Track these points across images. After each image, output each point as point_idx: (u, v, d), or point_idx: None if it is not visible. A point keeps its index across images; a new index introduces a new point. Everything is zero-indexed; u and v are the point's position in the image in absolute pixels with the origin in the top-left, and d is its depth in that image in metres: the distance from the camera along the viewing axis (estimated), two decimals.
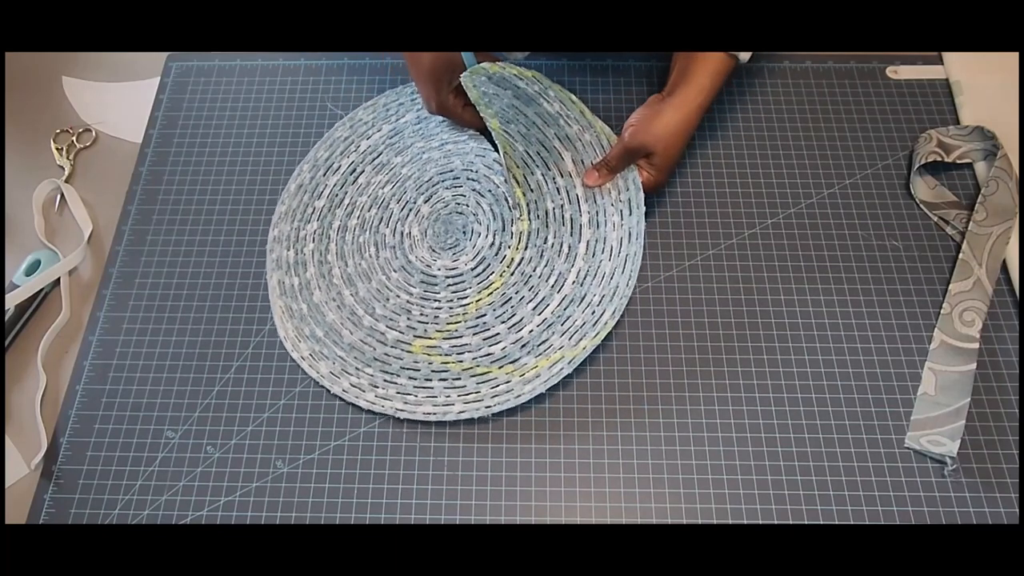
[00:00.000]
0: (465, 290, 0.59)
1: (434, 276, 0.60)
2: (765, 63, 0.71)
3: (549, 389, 0.55)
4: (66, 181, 0.67)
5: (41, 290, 0.61)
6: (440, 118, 0.65)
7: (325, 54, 0.73)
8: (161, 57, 0.73)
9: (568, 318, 0.57)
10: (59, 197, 0.67)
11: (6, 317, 0.59)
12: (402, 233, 0.62)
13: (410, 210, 0.63)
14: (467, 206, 0.63)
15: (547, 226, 0.60)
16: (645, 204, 0.60)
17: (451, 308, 0.58)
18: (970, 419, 0.54)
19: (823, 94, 0.69)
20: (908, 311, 0.59)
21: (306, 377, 0.57)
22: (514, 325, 0.57)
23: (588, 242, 0.59)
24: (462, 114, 0.60)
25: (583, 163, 0.61)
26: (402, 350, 0.57)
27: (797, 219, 0.63)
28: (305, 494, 0.53)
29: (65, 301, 0.61)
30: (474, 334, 0.57)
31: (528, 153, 0.61)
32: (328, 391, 0.56)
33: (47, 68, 0.73)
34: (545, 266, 0.58)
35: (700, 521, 0.52)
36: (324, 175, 0.65)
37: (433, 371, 0.56)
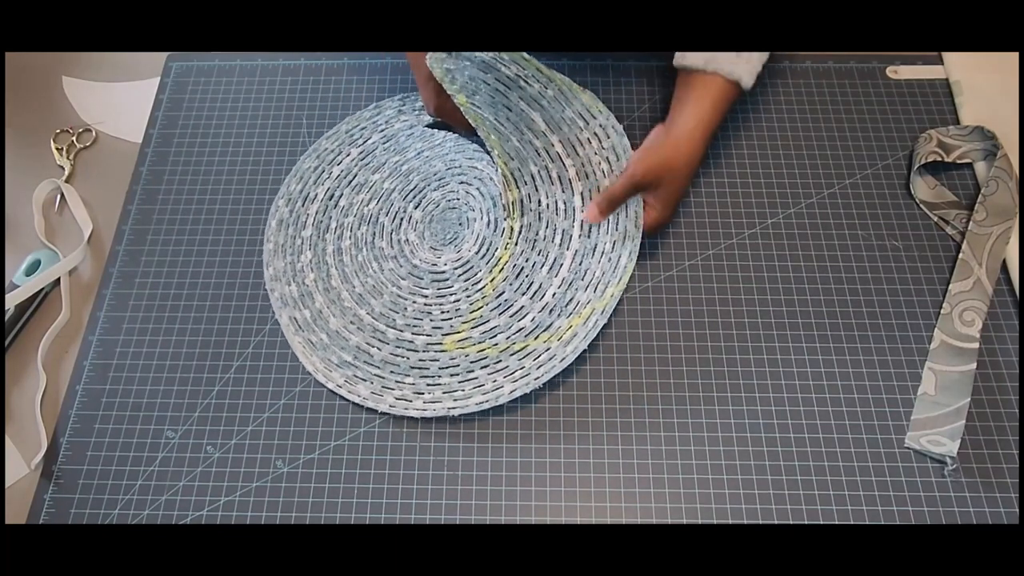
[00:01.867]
0: (476, 274, 0.59)
1: (443, 272, 0.60)
2: (765, 63, 0.70)
3: (549, 387, 0.56)
4: (66, 181, 0.67)
5: (41, 290, 0.61)
6: (408, 131, 0.67)
7: (325, 54, 0.73)
8: (161, 57, 0.73)
9: (585, 272, 0.58)
10: (59, 197, 0.67)
11: (6, 317, 0.59)
12: (400, 242, 0.62)
13: (402, 219, 0.63)
14: (458, 199, 0.63)
15: (537, 189, 0.60)
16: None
17: (469, 296, 0.59)
18: (970, 419, 0.54)
19: (823, 94, 0.69)
20: (908, 311, 0.59)
21: (306, 377, 0.57)
22: (535, 293, 0.57)
23: (582, 193, 0.59)
24: (460, 118, 0.60)
25: (554, 119, 0.61)
26: (435, 351, 0.57)
27: (797, 219, 0.63)
28: (305, 494, 0.53)
29: (65, 301, 0.61)
30: (500, 314, 0.57)
31: (498, 120, 0.61)
32: (364, 407, 0.56)
33: (47, 68, 0.73)
34: (547, 227, 0.59)
35: (700, 521, 0.52)
36: (303, 206, 0.64)
37: (472, 362, 0.56)
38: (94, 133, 0.70)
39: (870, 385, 0.56)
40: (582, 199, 0.59)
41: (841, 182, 0.65)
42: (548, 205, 0.59)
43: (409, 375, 0.56)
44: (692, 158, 0.56)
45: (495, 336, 0.57)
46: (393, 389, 0.56)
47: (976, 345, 0.56)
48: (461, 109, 0.58)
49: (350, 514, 0.53)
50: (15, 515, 0.53)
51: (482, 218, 0.62)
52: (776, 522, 0.52)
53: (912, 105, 0.68)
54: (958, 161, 0.64)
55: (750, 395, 0.56)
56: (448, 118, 0.62)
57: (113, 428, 0.56)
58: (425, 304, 0.59)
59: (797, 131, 0.67)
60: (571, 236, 0.58)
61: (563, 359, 0.55)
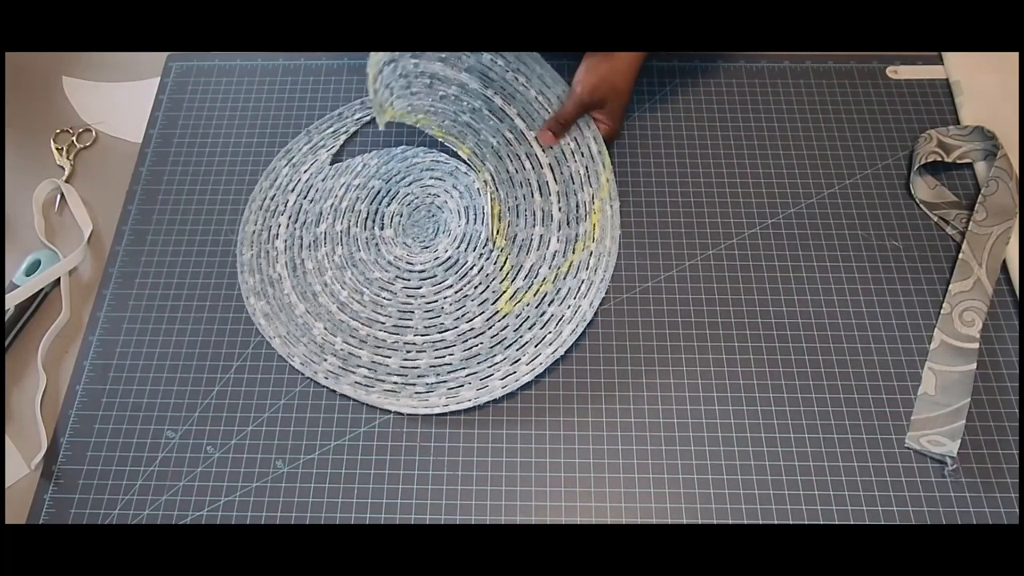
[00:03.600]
0: (480, 237, 0.60)
1: (450, 258, 0.61)
2: (765, 63, 0.71)
3: (550, 387, 0.56)
4: (66, 181, 0.67)
5: (41, 290, 0.61)
6: (319, 174, 0.66)
7: (325, 54, 0.73)
8: (161, 57, 0.74)
9: (572, 175, 0.60)
10: (59, 197, 0.67)
11: (6, 317, 0.59)
12: (390, 263, 0.61)
13: (376, 244, 0.62)
14: (416, 198, 0.64)
15: (478, 132, 0.60)
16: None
17: (488, 259, 0.59)
18: (970, 419, 0.54)
19: (823, 94, 0.69)
20: (908, 311, 0.59)
21: (306, 377, 0.57)
22: (543, 218, 0.59)
23: (519, 115, 0.61)
24: None
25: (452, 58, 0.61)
26: (499, 321, 0.57)
27: (797, 219, 0.63)
28: (305, 494, 0.53)
29: (65, 301, 0.61)
30: (527, 254, 0.58)
31: (411, 89, 0.61)
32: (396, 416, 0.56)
33: (47, 68, 0.73)
34: (514, 161, 0.60)
35: (700, 521, 0.52)
36: (272, 270, 0.62)
37: (536, 307, 0.57)
38: (94, 133, 0.70)
39: (870, 385, 0.56)
40: (522, 120, 0.60)
41: (841, 182, 0.65)
42: (498, 141, 0.60)
43: (496, 354, 0.56)
44: (635, 71, 0.60)
45: (537, 274, 0.58)
46: (494, 374, 0.56)
47: (976, 345, 0.56)
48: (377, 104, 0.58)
49: (350, 514, 0.53)
50: (15, 515, 0.53)
51: (452, 197, 0.63)
52: (776, 522, 0.52)
53: (912, 105, 0.68)
54: (958, 161, 0.64)
55: (750, 395, 0.56)
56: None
57: (113, 428, 0.56)
58: (456, 292, 0.59)
59: (797, 131, 0.67)
60: (537, 155, 0.60)
61: (609, 252, 0.57)
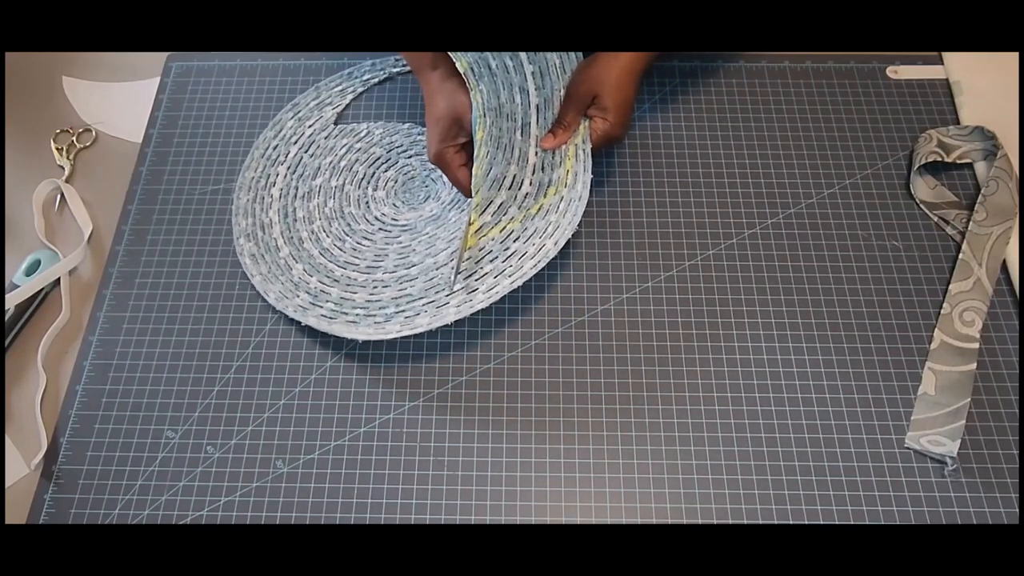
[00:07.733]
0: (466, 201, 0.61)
1: (432, 214, 0.63)
2: (765, 63, 0.71)
3: (550, 387, 0.56)
4: (66, 181, 0.67)
5: (41, 290, 0.61)
6: (323, 132, 0.68)
7: (325, 54, 0.73)
8: (161, 57, 0.74)
9: (552, 122, 0.60)
10: (59, 197, 0.67)
11: (6, 317, 0.59)
12: (376, 218, 0.64)
13: (367, 202, 0.65)
14: (413, 170, 0.66)
15: (481, 53, 0.59)
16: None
17: (462, 210, 0.60)
18: (970, 419, 0.54)
19: (823, 94, 0.69)
20: (908, 311, 0.59)
21: (307, 377, 0.57)
22: (519, 158, 0.58)
23: (535, 68, 0.60)
24: (456, 172, 0.58)
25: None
26: (463, 256, 0.57)
27: (797, 219, 0.63)
28: (305, 494, 0.53)
29: (65, 301, 0.61)
30: (499, 189, 0.58)
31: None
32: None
33: (47, 68, 0.73)
34: (506, 90, 0.59)
35: (700, 521, 0.52)
36: (265, 233, 0.63)
37: (502, 242, 0.57)
38: (94, 133, 0.70)
39: (870, 385, 0.56)
40: (534, 66, 0.60)
41: (841, 182, 0.65)
42: (496, 65, 0.59)
43: (454, 284, 0.57)
44: (629, 65, 0.58)
45: (507, 212, 0.58)
46: (448, 303, 0.56)
47: (976, 345, 0.56)
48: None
49: (350, 514, 0.53)
50: (15, 515, 0.53)
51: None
52: (776, 522, 0.52)
53: (912, 105, 0.68)
54: (958, 161, 0.64)
55: (750, 395, 0.56)
56: (444, 167, 0.59)
57: (113, 428, 0.56)
58: (431, 236, 0.61)
59: (797, 131, 0.67)
60: (527, 90, 0.59)
61: (580, 198, 0.57)
